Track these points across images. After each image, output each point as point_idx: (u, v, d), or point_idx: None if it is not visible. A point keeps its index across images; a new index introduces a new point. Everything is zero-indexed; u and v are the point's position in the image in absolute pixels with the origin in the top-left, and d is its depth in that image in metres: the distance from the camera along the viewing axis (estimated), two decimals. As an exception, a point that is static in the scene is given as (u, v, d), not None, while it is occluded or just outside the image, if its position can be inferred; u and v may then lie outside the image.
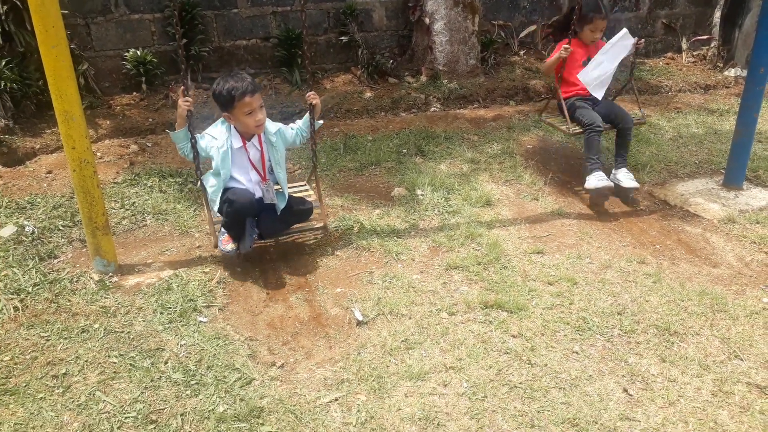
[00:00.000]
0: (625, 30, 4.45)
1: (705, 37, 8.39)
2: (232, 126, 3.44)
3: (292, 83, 6.86)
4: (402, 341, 2.94)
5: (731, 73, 8.09)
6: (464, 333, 3.00)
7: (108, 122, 5.68)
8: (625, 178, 4.33)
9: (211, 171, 3.56)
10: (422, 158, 5.16)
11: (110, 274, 3.50)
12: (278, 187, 3.62)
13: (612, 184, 4.24)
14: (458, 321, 3.09)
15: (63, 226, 3.97)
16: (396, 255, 3.71)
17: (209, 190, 3.55)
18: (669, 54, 8.54)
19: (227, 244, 3.54)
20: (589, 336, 2.98)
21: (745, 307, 3.20)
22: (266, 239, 3.78)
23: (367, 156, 5.16)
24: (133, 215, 4.17)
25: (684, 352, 2.88)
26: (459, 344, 2.92)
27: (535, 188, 4.63)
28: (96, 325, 3.05)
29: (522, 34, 7.78)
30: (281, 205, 3.59)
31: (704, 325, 3.06)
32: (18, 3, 5.18)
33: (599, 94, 4.50)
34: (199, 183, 3.52)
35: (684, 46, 8.46)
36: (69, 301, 3.25)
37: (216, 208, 3.55)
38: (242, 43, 6.85)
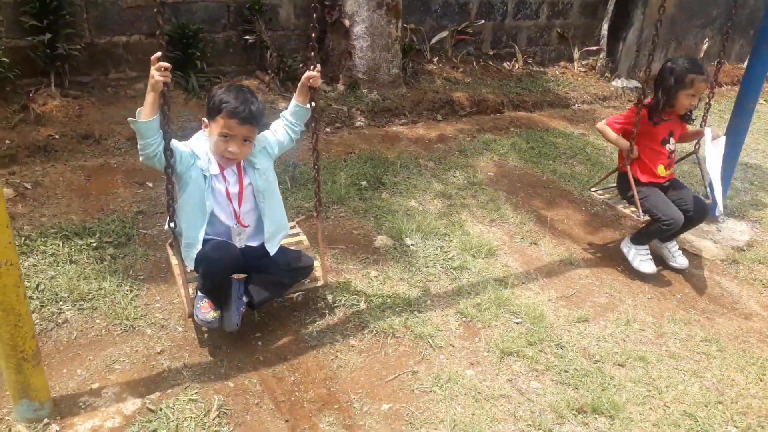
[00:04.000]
0: (709, 132, 3.62)
1: (594, 48, 8.59)
2: (208, 143, 2.66)
3: (188, 90, 5.62)
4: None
5: (618, 83, 8.39)
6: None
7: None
8: (682, 258, 3.86)
9: (178, 206, 2.62)
10: (386, 192, 4.41)
11: (45, 420, 2.31)
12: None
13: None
14: (554, 436, 2.48)
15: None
16: (429, 340, 2.98)
17: (182, 240, 2.66)
18: (562, 62, 8.62)
19: (207, 313, 2.66)
20: (699, 436, 2.56)
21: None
22: (256, 308, 2.87)
23: (324, 192, 4.26)
24: (42, 306, 2.90)
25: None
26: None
27: (526, 229, 4.15)
28: None
29: (434, 40, 7.26)
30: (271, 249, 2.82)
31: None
32: None
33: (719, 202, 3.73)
34: (169, 222, 2.54)
35: (576, 55, 8.60)
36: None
37: (189, 263, 2.67)
38: (121, 39, 5.44)
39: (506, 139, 5.56)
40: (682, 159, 4.06)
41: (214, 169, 2.65)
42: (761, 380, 2.94)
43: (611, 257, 3.96)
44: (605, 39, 8.54)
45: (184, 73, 5.60)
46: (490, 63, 7.72)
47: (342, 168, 4.65)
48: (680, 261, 3.84)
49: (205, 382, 2.63)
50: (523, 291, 3.45)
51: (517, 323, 3.16)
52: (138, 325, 2.89)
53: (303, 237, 3.21)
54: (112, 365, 2.65)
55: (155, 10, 2.23)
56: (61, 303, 2.94)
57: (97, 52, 5.34)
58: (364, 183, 4.48)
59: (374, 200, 4.27)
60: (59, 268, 3.15)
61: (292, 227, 3.17)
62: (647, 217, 3.58)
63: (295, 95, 2.79)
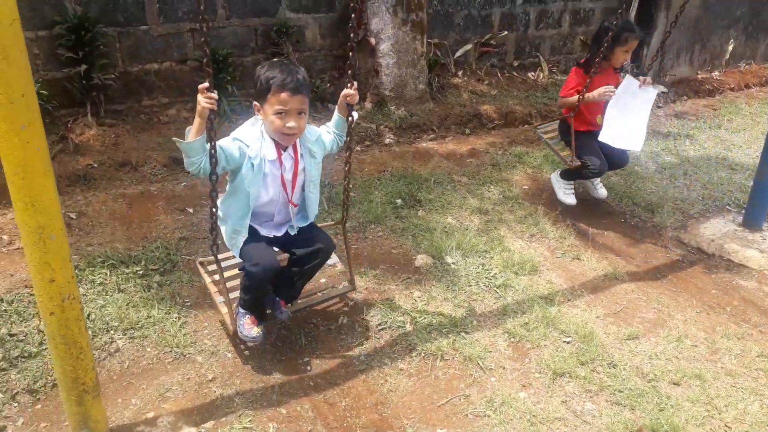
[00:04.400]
0: (628, 77, 4.15)
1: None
2: (264, 127, 2.64)
3: (219, 114, 5.68)
4: None
5: (644, 89, 8.29)
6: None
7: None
8: (602, 189, 4.58)
9: (227, 193, 2.68)
10: (422, 210, 4.39)
11: (105, 453, 2.33)
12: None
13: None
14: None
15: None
16: (479, 362, 2.94)
17: (227, 228, 2.71)
18: (587, 71, 8.56)
19: (251, 329, 2.75)
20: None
21: None
22: (293, 301, 2.98)
23: (360, 211, 4.28)
24: (94, 336, 2.93)
25: None
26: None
27: (567, 244, 4.10)
28: None
29: (458, 54, 7.26)
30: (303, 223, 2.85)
31: None
32: None
33: (635, 146, 4.16)
34: (213, 222, 2.55)
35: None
36: None
37: (236, 251, 2.71)
38: (153, 66, 5.52)
39: (538, 151, 5.52)
40: None
41: (271, 155, 2.63)
42: (824, 395, 2.86)
43: (656, 270, 3.90)
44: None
45: (215, 97, 5.67)
46: (515, 74, 7.70)
47: (376, 187, 4.65)
48: (600, 191, 4.55)
49: (258, 410, 2.62)
50: (570, 308, 3.41)
51: (567, 342, 3.12)
52: (188, 353, 2.90)
53: (335, 259, 3.23)
54: (166, 394, 2.66)
55: (202, 39, 2.26)
56: (112, 332, 2.97)
57: (131, 81, 5.43)
58: (399, 201, 4.47)
59: (411, 218, 4.26)
60: (108, 297, 3.19)
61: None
62: (578, 162, 4.23)
63: (336, 108, 2.86)
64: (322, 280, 3.47)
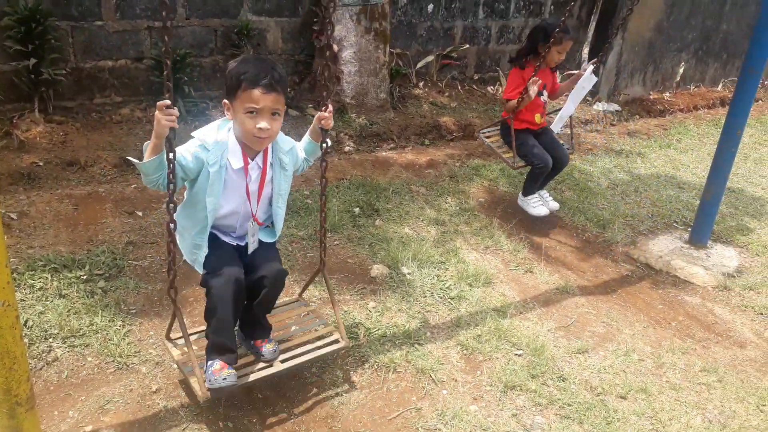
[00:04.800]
0: (590, 69, 4.37)
1: (575, 72, 8.71)
2: (231, 131, 2.39)
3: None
4: None
5: (599, 107, 8.52)
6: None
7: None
8: (553, 202, 4.63)
9: (184, 202, 2.44)
10: (380, 219, 4.37)
11: (37, 469, 2.21)
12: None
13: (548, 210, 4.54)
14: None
15: None
16: (431, 374, 2.93)
17: (186, 243, 2.47)
18: (545, 87, 8.73)
19: (220, 372, 2.37)
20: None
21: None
22: (264, 339, 2.67)
23: (317, 219, 4.21)
24: (31, 344, 2.79)
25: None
26: None
27: (520, 256, 4.15)
28: None
29: (419, 65, 7.30)
30: (267, 239, 2.63)
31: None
32: None
33: (558, 128, 4.54)
34: (170, 261, 2.28)
35: (557, 79, 8.70)
36: None
37: (198, 268, 2.46)
38: (107, 63, 5.36)
39: (495, 164, 5.58)
40: (552, 112, 4.71)
41: (237, 163, 2.38)
42: (761, 411, 2.95)
43: (606, 285, 3.98)
44: (586, 62, 8.67)
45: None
46: (475, 87, 7.79)
47: (334, 195, 4.61)
48: (551, 204, 4.58)
49: (204, 423, 2.54)
50: (522, 321, 3.43)
51: (518, 355, 3.14)
52: (132, 363, 2.80)
53: (308, 309, 3.03)
54: (106, 406, 2.56)
55: (162, 47, 2.16)
56: (50, 340, 2.84)
57: (83, 77, 5.26)
58: (357, 210, 4.44)
59: (368, 228, 4.24)
60: (48, 303, 3.05)
61: (296, 301, 3.07)
62: (521, 162, 4.34)
63: (308, 132, 2.64)
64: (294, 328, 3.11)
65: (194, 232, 2.44)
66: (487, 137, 4.66)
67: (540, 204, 4.52)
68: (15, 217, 3.72)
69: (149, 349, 2.89)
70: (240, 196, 2.46)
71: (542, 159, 4.31)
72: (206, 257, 2.46)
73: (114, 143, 4.84)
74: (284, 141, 2.54)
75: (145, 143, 2.22)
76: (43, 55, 4.82)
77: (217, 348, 2.45)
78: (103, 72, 5.35)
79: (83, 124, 5.08)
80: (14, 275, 3.19)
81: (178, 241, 2.45)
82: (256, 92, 2.25)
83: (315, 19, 6.23)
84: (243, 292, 2.48)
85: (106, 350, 2.83)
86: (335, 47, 6.12)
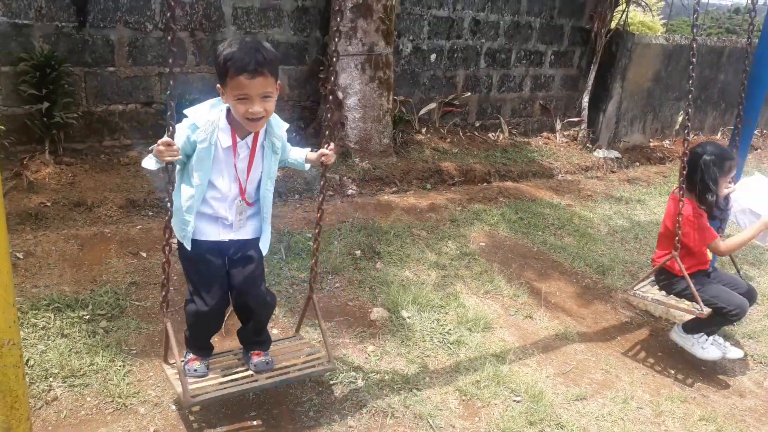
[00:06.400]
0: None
1: (576, 119, 8.89)
2: (224, 111, 2.44)
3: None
4: None
5: (599, 154, 8.64)
6: None
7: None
8: (734, 349, 3.69)
9: (177, 182, 2.45)
10: (381, 262, 4.42)
11: None
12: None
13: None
14: None
15: None
16: (429, 420, 2.93)
17: (177, 219, 2.49)
18: (545, 133, 8.88)
19: (193, 363, 2.69)
20: None
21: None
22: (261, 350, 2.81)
23: (318, 261, 4.26)
24: (31, 383, 2.81)
25: None
26: None
27: (520, 302, 4.17)
28: None
29: (422, 111, 7.47)
30: (260, 245, 2.65)
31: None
32: None
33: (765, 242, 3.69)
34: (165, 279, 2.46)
35: (558, 126, 8.88)
36: None
37: (187, 243, 2.52)
38: (118, 108, 5.51)
39: (495, 209, 5.65)
40: None
41: (226, 141, 2.42)
42: (762, 462, 2.92)
43: (605, 331, 3.99)
44: (586, 110, 8.84)
45: (178, 140, 5.67)
46: (476, 134, 7.95)
47: (336, 237, 4.68)
48: (733, 352, 3.61)
49: (200, 466, 2.54)
50: (521, 367, 3.44)
51: (517, 401, 3.13)
52: (130, 403, 2.81)
53: (302, 343, 3.05)
54: (104, 448, 2.56)
55: (168, 91, 2.28)
56: (51, 379, 2.85)
57: (94, 121, 5.40)
58: (358, 252, 4.49)
59: (369, 270, 4.28)
60: (50, 342, 3.08)
61: (293, 337, 3.11)
62: (709, 310, 3.36)
63: (308, 154, 2.73)
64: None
65: (184, 209, 2.47)
66: (646, 293, 3.71)
67: (710, 344, 3.56)
68: (21, 257, 3.78)
69: (148, 390, 2.91)
70: (230, 174, 2.48)
71: (737, 303, 3.37)
72: (189, 272, 2.59)
73: (121, 185, 4.94)
74: (278, 124, 2.56)
75: (147, 157, 2.35)
76: (56, 99, 4.96)
77: (194, 347, 2.72)
78: (113, 116, 5.50)
79: (92, 166, 5.19)
80: (18, 314, 3.23)
81: (172, 223, 2.47)
82: (243, 79, 2.26)
83: (321, 68, 6.42)
84: (224, 309, 2.69)
85: (105, 390, 2.85)
86: (340, 94, 6.29)
